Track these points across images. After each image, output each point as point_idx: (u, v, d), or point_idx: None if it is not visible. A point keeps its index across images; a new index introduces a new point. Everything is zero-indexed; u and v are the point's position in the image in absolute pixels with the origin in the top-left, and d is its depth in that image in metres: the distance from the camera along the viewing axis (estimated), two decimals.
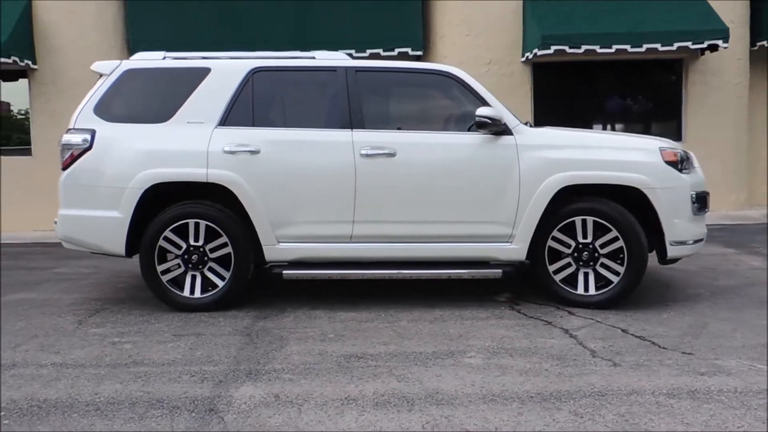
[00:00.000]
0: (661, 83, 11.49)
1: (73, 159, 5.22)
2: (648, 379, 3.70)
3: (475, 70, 11.11)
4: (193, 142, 5.17)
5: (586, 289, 5.19)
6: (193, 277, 5.26)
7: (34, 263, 7.63)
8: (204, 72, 5.33)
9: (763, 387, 3.57)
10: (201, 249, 5.22)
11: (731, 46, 10.91)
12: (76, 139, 5.22)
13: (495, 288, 5.85)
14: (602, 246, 5.13)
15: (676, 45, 10.19)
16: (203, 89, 5.28)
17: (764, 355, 4.07)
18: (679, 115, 11.50)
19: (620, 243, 5.08)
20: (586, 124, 11.55)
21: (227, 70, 5.33)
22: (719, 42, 10.26)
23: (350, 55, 10.93)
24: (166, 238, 5.20)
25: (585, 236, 5.16)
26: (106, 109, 5.29)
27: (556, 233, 5.18)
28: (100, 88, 5.35)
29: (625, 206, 5.16)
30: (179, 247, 5.22)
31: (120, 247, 5.21)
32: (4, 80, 11.71)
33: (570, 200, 5.16)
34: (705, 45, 10.29)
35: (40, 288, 6.32)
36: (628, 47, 10.18)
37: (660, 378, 3.71)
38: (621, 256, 5.10)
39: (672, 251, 5.16)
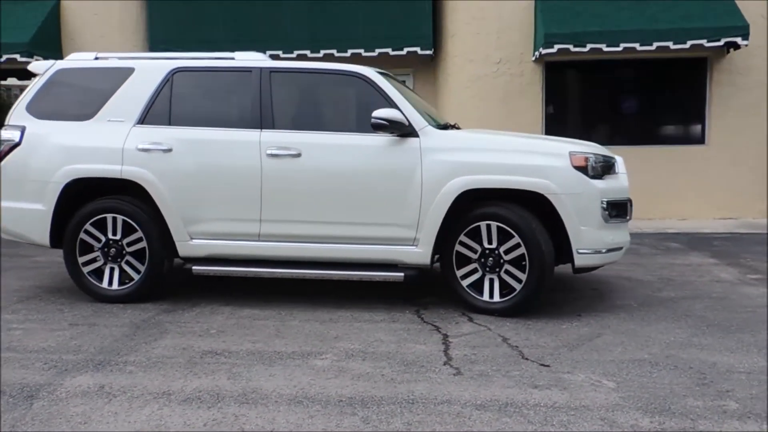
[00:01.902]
0: (683, 83, 10.90)
1: (5, 154, 5.54)
2: (475, 389, 3.59)
3: (485, 69, 10.98)
4: (110, 140, 5.38)
5: (491, 295, 5.06)
6: (112, 270, 5.47)
7: (23, 251, 8.07)
8: (128, 72, 5.53)
9: (586, 403, 3.39)
10: (119, 243, 5.43)
11: (761, 43, 10.28)
12: (7, 135, 5.54)
13: (421, 291, 5.78)
14: (506, 252, 4.98)
15: (689, 43, 9.68)
16: (125, 89, 5.48)
17: (623, 371, 3.86)
18: (702, 116, 10.90)
19: (523, 249, 4.92)
20: (601, 126, 11.15)
21: (149, 70, 5.51)
22: (738, 39, 9.66)
23: (359, 54, 11.12)
24: (86, 232, 5.43)
25: (490, 242, 5.02)
26: (37, 107, 5.58)
27: (463, 238, 5.07)
28: (34, 86, 5.65)
29: (539, 212, 4.99)
30: (99, 241, 5.44)
31: (45, 238, 5.49)
32: None
33: (479, 205, 5.04)
34: (722, 43, 9.71)
35: (3, 275, 6.72)
36: (636, 45, 9.75)
37: (488, 389, 3.59)
38: (523, 263, 4.94)
39: (580, 260, 4.95)
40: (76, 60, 5.73)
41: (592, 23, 9.88)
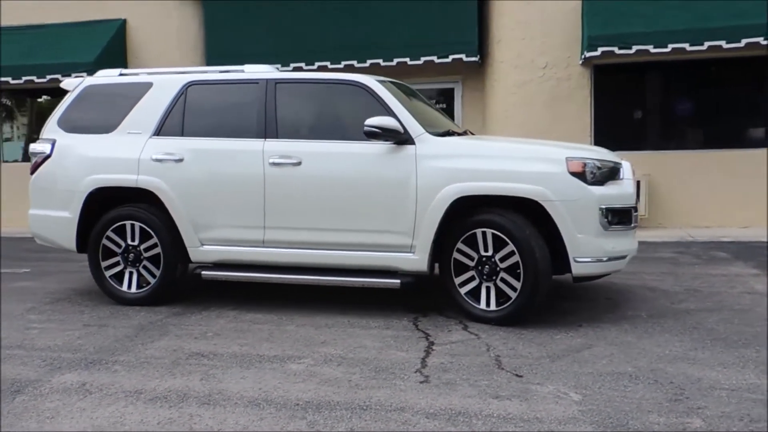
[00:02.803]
0: (743, 84, 10.36)
1: (38, 165, 5.94)
2: (434, 397, 3.57)
3: (531, 74, 10.82)
4: (128, 151, 5.67)
5: (488, 303, 5.00)
6: (131, 274, 5.76)
7: (75, 256, 8.55)
8: (147, 87, 5.82)
9: (541, 415, 3.32)
10: (137, 248, 5.70)
11: None
12: (40, 148, 5.94)
13: (426, 299, 5.76)
14: (502, 260, 4.92)
15: (743, 41, 9.20)
16: (144, 102, 5.77)
17: (597, 383, 3.74)
18: (765, 119, 10.32)
19: (517, 257, 4.84)
20: (654, 130, 10.73)
21: (165, 84, 5.77)
22: None
23: (404, 63, 11.20)
24: (108, 237, 5.74)
25: (486, 249, 4.97)
26: (66, 121, 5.96)
27: (460, 245, 5.04)
28: (65, 102, 6.03)
29: (537, 219, 4.90)
30: (120, 246, 5.74)
31: (72, 243, 5.85)
32: None
33: (476, 212, 5.00)
34: None
35: (48, 278, 7.18)
36: (686, 46, 9.36)
37: (447, 397, 3.57)
38: (518, 270, 4.86)
39: (578, 268, 4.82)
40: (102, 77, 6.07)
41: (638, 24, 9.56)
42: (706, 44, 9.28)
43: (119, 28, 12.10)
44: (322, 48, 11.30)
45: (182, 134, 5.63)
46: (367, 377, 3.91)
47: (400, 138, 5.07)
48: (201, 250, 5.57)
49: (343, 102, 5.44)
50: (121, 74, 6.05)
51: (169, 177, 5.54)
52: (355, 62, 11.26)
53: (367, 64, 11.18)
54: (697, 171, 10.22)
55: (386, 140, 5.07)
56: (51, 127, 6.00)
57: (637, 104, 10.73)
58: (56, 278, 7.16)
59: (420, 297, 5.81)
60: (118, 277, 5.80)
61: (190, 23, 12.15)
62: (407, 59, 11.09)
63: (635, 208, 4.99)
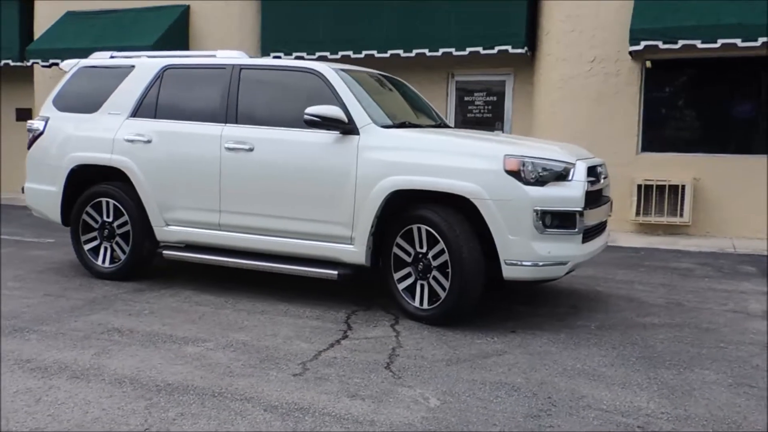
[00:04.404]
0: None
1: (33, 141, 6.32)
2: (290, 391, 3.52)
3: (578, 68, 10.34)
4: (106, 131, 5.92)
5: (421, 302, 4.85)
6: (105, 249, 6.03)
7: None
8: (129, 69, 6.04)
9: (378, 417, 3.19)
10: (112, 225, 5.96)
11: None
12: (35, 125, 6.32)
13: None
14: (434, 257, 4.76)
15: None
16: (125, 84, 6.00)
17: (468, 392, 3.55)
18: None
19: (447, 256, 4.66)
20: (707, 132, 9.93)
21: (145, 67, 5.97)
22: None
23: (450, 53, 11.00)
24: (87, 213, 6.03)
25: (421, 246, 4.82)
26: (60, 101, 6.30)
27: (399, 240, 4.93)
28: (61, 82, 6.37)
29: (475, 218, 4.69)
30: (97, 222, 6.02)
31: (57, 216, 6.19)
32: None
33: (414, 206, 4.86)
34: None
35: (61, 249, 7.61)
36: (737, 42, 8.60)
37: (304, 392, 3.50)
38: (447, 270, 4.68)
39: (509, 271, 4.58)
40: (95, 59, 6.36)
41: (687, 18, 8.86)
42: (760, 41, 8.48)
43: (182, 13, 12.60)
44: (370, 37, 11.29)
45: (155, 116, 5.80)
46: (248, 365, 3.90)
47: (345, 128, 5.00)
48: (166, 230, 5.74)
49: (298, 89, 5.39)
50: (111, 57, 6.30)
51: (138, 157, 5.74)
52: (401, 51, 11.17)
53: (412, 54, 11.08)
54: (751, 177, 9.39)
55: (328, 129, 5.02)
56: (47, 106, 6.36)
57: (689, 103, 9.98)
58: (68, 250, 7.57)
59: (376, 291, 5.71)
60: (96, 252, 6.08)
61: (249, 11, 12.45)
62: (452, 50, 10.87)
63: (581, 213, 4.65)
